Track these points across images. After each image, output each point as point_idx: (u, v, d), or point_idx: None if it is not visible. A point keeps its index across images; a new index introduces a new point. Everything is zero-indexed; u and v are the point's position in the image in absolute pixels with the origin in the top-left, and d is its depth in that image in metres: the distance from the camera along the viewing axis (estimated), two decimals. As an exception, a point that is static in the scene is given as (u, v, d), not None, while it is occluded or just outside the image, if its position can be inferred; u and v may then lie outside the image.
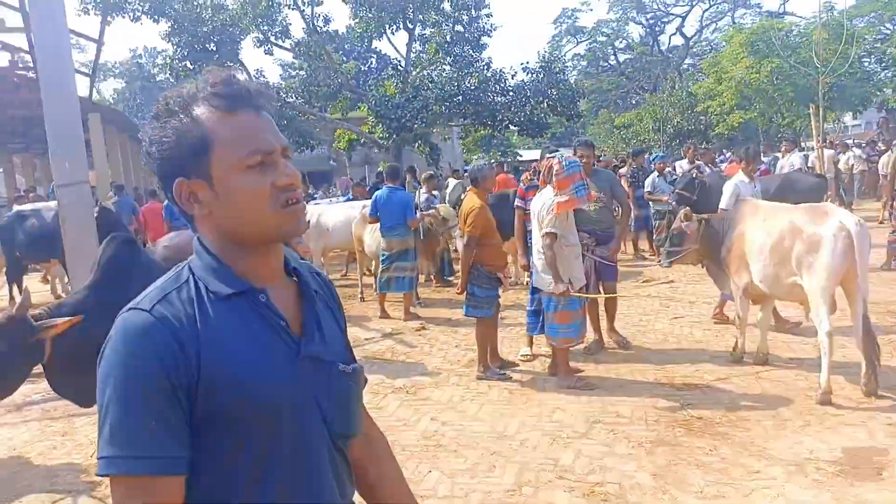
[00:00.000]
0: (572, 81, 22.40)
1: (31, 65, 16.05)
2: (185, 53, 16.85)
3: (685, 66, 41.54)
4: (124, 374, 0.99)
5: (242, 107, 1.11)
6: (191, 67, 17.60)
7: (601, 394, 4.96)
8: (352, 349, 1.28)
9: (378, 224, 7.81)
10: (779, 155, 12.71)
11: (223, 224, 1.11)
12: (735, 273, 5.27)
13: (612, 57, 47.25)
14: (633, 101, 43.91)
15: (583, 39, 48.45)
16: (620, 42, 47.32)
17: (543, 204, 5.11)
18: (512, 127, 18.48)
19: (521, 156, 34.35)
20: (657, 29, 45.52)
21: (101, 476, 1.00)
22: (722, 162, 13.11)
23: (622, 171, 11.87)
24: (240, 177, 1.08)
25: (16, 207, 10.60)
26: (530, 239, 5.76)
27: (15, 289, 9.31)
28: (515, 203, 6.35)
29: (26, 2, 11.80)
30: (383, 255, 7.78)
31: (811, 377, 4.84)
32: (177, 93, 1.13)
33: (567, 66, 49.62)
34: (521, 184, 7.90)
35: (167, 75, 20.60)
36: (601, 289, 6.02)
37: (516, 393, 5.13)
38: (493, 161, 22.14)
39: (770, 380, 5.00)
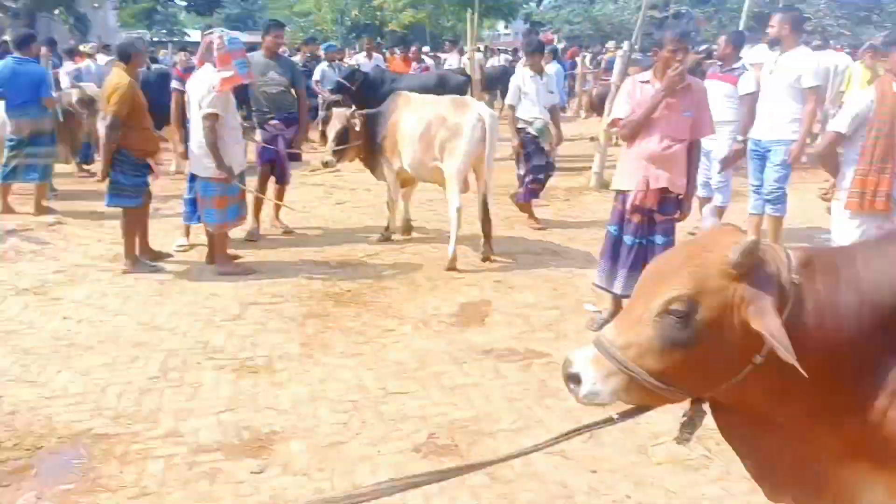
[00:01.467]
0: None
1: None
2: None
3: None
4: None
5: None
6: None
7: (260, 278, 5.01)
8: None
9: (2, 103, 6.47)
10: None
11: None
12: (389, 160, 5.65)
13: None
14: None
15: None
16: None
17: (202, 82, 4.77)
18: (177, 2, 16.49)
19: (189, 36, 31.12)
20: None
21: None
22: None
23: (295, 58, 11.60)
24: None
25: None
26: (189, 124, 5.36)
27: None
28: (172, 85, 5.86)
29: None
30: (10, 139, 6.55)
31: (442, 248, 5.55)
32: None
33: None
34: (178, 65, 7.22)
35: None
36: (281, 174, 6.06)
37: (168, 284, 4.88)
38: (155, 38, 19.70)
39: (410, 252, 5.62)
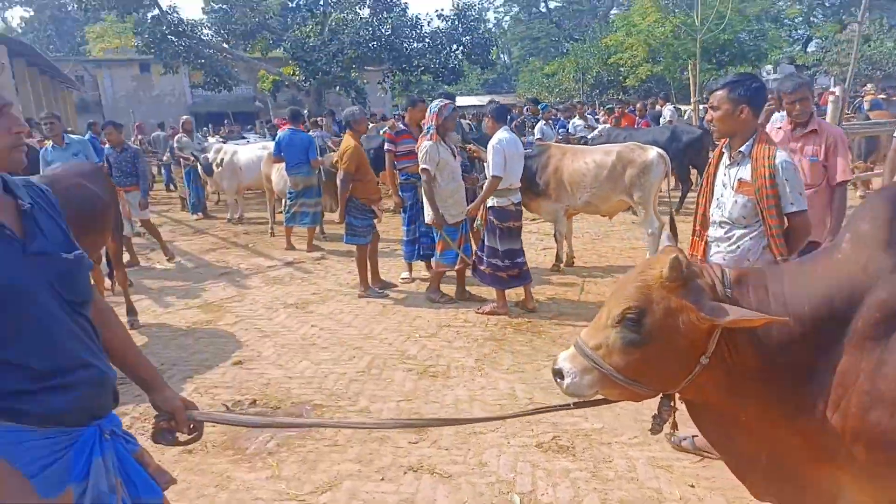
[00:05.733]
0: (505, 27, 22.61)
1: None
2: (96, -14, 16.47)
3: (612, 16, 42.55)
4: None
5: None
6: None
7: (460, 307, 5.95)
8: (73, 241, 1.62)
9: (283, 163, 8.49)
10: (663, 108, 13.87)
11: None
12: (556, 199, 6.70)
13: (543, 3, 47.74)
14: (563, 50, 44.82)
15: (514, -16, 48.61)
16: (551, -12, 47.77)
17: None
18: (428, 74, 19.00)
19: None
20: (587, -25, 46.14)
21: None
22: (592, 114, 14.33)
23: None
24: None
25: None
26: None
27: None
28: (385, 147, 6.79)
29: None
30: (290, 192, 8.49)
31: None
32: None
33: (499, 11, 49.96)
34: (389, 129, 8.49)
35: (78, 7, 19.96)
36: None
37: (389, 307, 6.07)
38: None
39: (593, 293, 6.12)
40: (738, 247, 3.05)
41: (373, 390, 4.23)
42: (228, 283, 7.17)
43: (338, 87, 19.30)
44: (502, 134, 5.39)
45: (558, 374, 1.95)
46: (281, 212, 9.86)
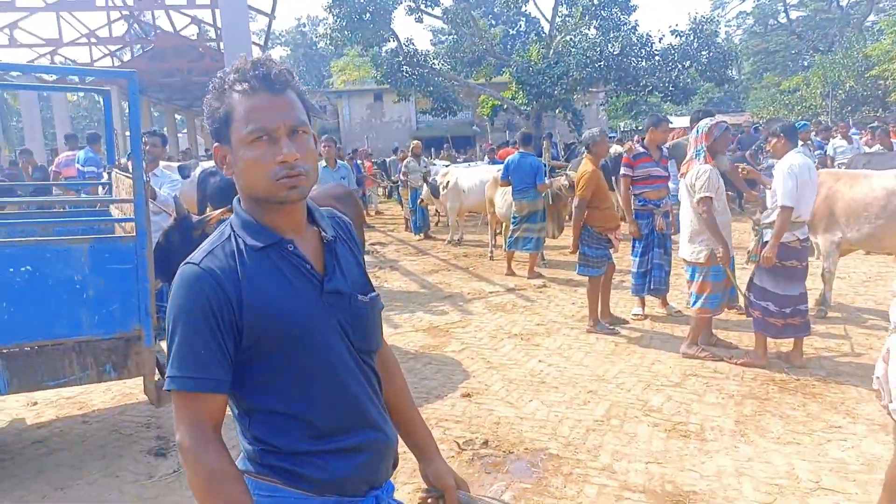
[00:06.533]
0: (736, 41, 20.93)
1: (214, 37, 18.18)
2: (344, 24, 18.10)
3: (868, 24, 37.39)
4: (181, 315, 1.22)
5: (262, 89, 1.25)
6: (349, 34, 18.82)
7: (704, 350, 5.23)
8: (370, 280, 1.45)
9: (509, 187, 8.36)
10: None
11: (241, 185, 1.31)
12: (824, 231, 5.89)
13: (783, 14, 43.54)
14: (805, 64, 40.39)
15: (749, -5, 45.11)
16: (793, -2, 43.51)
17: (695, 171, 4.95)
18: (656, 93, 17.97)
19: (671, 122, 32.91)
20: (837, -18, 41.28)
21: (167, 390, 1.24)
22: (856, 134, 12.28)
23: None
24: (245, 148, 1.25)
25: (201, 164, 12.25)
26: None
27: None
28: (622, 171, 6.21)
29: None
30: (514, 216, 8.32)
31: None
32: (222, 74, 1.30)
33: (730, 25, 46.55)
34: (626, 153, 7.82)
35: (327, 43, 22.16)
36: None
37: (621, 345, 5.54)
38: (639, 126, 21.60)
39: (876, 349, 5.00)
40: None
41: (615, 445, 3.76)
42: (452, 306, 7.15)
43: (557, 110, 19.05)
44: (795, 157, 4.63)
45: None
46: (499, 233, 9.80)
